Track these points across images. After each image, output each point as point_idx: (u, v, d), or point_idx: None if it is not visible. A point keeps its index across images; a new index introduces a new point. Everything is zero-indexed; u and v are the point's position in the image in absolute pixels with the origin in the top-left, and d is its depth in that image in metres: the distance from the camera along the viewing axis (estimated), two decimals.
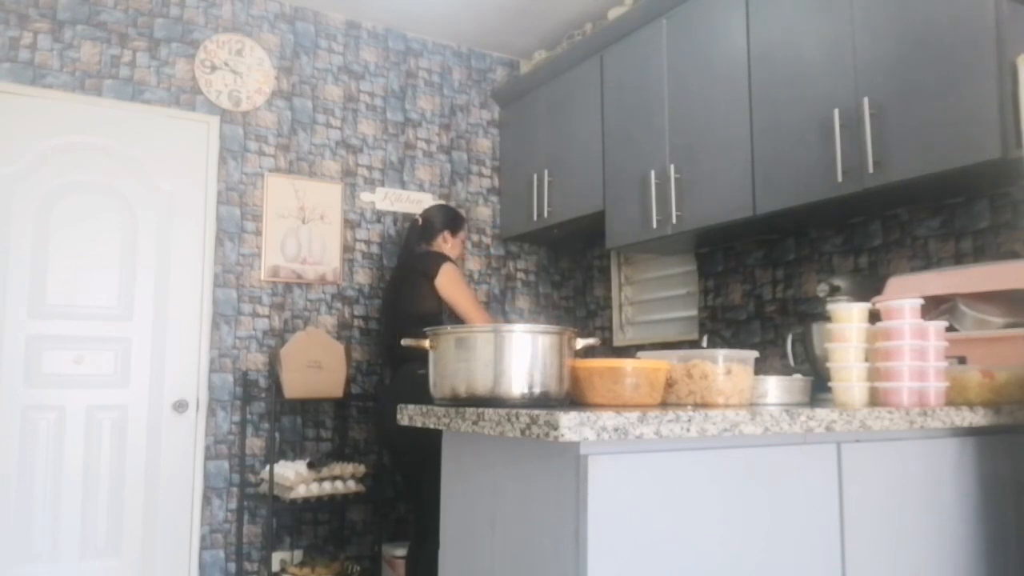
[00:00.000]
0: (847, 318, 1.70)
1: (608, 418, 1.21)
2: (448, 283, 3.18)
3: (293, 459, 3.53)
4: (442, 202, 3.92)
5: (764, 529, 1.41)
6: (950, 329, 2.00)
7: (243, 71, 3.64)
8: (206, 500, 3.42)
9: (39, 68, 3.26)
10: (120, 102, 3.39)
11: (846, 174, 2.46)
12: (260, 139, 3.67)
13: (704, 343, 3.37)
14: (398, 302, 3.27)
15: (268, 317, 3.62)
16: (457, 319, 3.22)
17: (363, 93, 3.95)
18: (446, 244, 3.42)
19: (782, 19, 2.73)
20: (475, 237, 4.17)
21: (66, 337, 3.24)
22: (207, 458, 3.44)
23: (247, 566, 3.46)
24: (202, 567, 3.39)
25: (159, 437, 3.37)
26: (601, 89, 3.56)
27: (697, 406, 1.56)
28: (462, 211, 3.91)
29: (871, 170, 2.38)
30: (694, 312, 3.68)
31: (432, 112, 4.13)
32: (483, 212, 4.23)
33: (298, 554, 3.58)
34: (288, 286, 3.68)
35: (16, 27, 3.23)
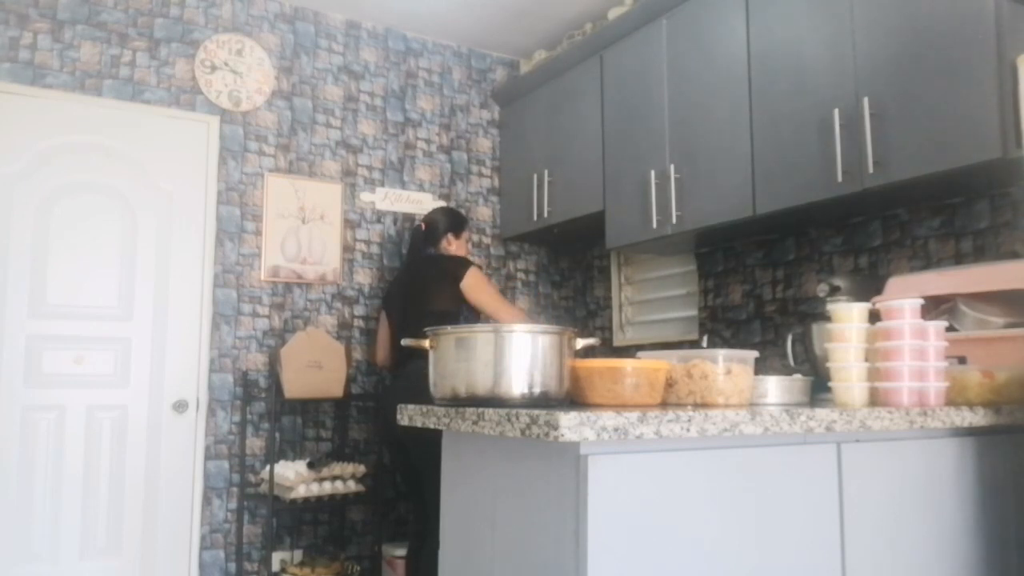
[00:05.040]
0: (847, 318, 1.70)
1: (608, 418, 1.21)
2: (475, 287, 3.19)
3: (293, 459, 3.53)
4: (444, 204, 3.91)
5: (764, 529, 1.41)
6: (950, 329, 2.00)
7: (243, 71, 3.64)
8: (206, 500, 3.42)
9: (39, 68, 3.26)
10: (120, 102, 3.39)
11: (846, 174, 2.46)
12: (260, 139, 3.67)
13: (704, 343, 3.37)
14: (416, 301, 3.25)
15: (268, 317, 3.62)
16: (476, 319, 3.22)
17: (363, 93, 3.95)
18: (451, 246, 3.41)
19: (782, 19, 2.73)
20: (475, 237, 4.17)
21: (66, 337, 3.24)
22: (207, 458, 3.44)
23: (247, 566, 3.46)
24: (202, 567, 3.39)
25: (159, 437, 3.36)
26: (601, 89, 3.56)
27: (697, 406, 1.56)
28: (462, 211, 3.90)
29: (871, 170, 2.38)
30: (694, 312, 3.68)
31: (432, 112, 4.13)
32: (483, 212, 4.23)
33: (298, 554, 3.58)
34: (288, 286, 3.68)
35: (16, 27, 3.23)
